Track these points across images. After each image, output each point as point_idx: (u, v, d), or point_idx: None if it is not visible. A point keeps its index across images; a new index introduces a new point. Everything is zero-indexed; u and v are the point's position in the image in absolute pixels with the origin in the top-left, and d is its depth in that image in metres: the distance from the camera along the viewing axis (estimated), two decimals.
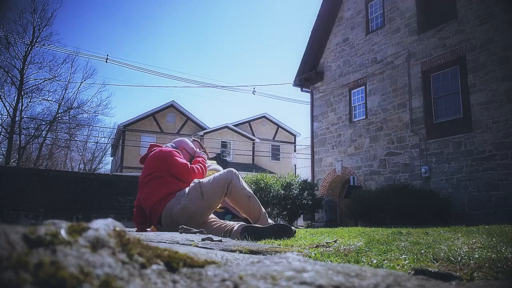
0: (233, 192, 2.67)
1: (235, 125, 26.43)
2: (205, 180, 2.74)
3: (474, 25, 8.96)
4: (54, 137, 26.16)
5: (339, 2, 13.20)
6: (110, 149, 32.78)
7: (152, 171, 2.88)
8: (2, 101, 21.47)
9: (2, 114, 22.46)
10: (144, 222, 3.15)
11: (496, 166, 8.19)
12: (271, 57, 70.92)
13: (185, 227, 2.22)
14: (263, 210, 2.73)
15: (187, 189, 2.75)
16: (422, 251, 1.61)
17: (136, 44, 57.93)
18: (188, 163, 3.01)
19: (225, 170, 2.76)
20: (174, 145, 3.25)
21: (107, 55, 35.07)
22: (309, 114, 13.83)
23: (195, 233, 2.10)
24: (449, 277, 0.80)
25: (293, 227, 2.62)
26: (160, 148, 3.09)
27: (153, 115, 24.99)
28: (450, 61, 9.40)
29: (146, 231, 3.01)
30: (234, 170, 2.75)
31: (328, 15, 13.24)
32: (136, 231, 2.96)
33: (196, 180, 2.77)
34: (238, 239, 2.19)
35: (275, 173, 12.00)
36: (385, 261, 1.33)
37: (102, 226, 0.55)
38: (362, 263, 1.32)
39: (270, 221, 2.66)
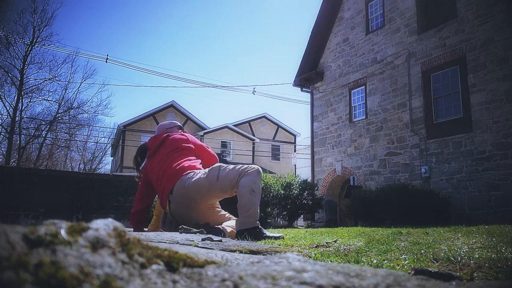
0: (243, 179, 2.61)
1: (235, 125, 26.43)
2: (226, 166, 2.80)
3: (474, 25, 8.96)
4: (54, 137, 26.14)
5: (339, 2, 13.20)
6: (110, 149, 32.80)
7: (179, 146, 3.14)
8: (2, 101, 21.46)
9: (2, 114, 22.46)
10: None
11: (496, 166, 8.19)
12: (271, 57, 70.96)
13: (185, 227, 2.23)
14: (254, 209, 2.59)
15: (207, 169, 2.86)
16: (422, 251, 1.61)
17: (136, 44, 57.97)
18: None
19: (253, 167, 2.73)
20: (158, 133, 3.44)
21: (107, 55, 35.01)
22: (309, 114, 13.83)
23: (195, 233, 2.11)
24: (449, 277, 0.80)
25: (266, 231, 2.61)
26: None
27: (153, 115, 24.99)
28: (450, 61, 9.40)
29: (144, 231, 3.03)
30: (259, 170, 2.73)
31: (328, 15, 13.24)
32: (133, 231, 2.97)
33: (217, 164, 2.87)
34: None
35: (275, 173, 12.00)
36: (385, 261, 1.33)
37: (102, 226, 0.55)
38: (362, 263, 1.32)
39: (257, 223, 2.56)
